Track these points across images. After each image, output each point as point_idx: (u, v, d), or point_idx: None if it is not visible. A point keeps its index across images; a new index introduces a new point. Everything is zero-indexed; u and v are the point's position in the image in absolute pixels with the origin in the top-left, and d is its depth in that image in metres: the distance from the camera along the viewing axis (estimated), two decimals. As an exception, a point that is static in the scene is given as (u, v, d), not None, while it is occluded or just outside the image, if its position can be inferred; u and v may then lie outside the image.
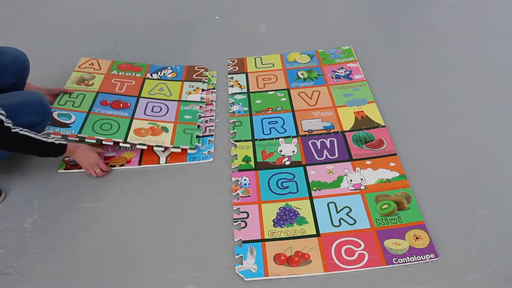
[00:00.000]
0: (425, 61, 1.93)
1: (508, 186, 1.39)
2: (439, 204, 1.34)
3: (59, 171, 1.51)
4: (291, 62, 1.96)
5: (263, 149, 1.55)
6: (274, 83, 1.85)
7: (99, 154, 1.51)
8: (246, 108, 1.73)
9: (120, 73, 1.87)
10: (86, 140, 1.53)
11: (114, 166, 1.53)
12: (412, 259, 1.20)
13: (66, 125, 1.55)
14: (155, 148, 1.55)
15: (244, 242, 1.27)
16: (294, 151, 1.54)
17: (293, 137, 1.59)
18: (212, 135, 1.63)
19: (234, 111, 1.72)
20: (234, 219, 1.34)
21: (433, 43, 2.03)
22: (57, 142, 1.39)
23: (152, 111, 1.69)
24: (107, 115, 1.63)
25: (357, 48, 2.01)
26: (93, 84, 1.78)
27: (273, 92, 1.80)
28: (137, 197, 1.43)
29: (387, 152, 1.50)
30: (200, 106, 1.74)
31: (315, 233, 1.28)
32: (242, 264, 1.21)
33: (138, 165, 1.53)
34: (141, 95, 1.76)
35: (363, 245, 1.24)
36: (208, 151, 1.57)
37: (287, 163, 1.50)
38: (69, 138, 1.53)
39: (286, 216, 1.33)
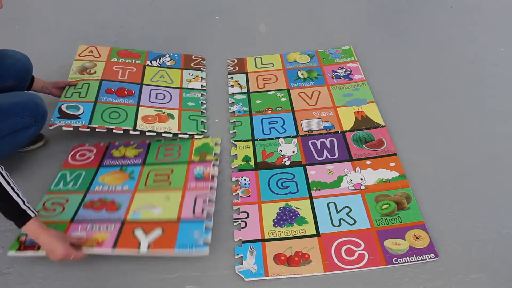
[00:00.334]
0: (425, 61, 1.93)
1: (508, 186, 1.39)
2: (439, 204, 1.34)
3: (9, 253, 1.20)
4: (291, 62, 1.96)
5: (263, 149, 1.55)
6: (274, 83, 1.85)
7: (71, 244, 1.17)
8: (246, 108, 1.73)
9: (120, 60, 1.89)
10: (97, 129, 1.53)
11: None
12: (412, 259, 1.20)
13: (76, 117, 1.55)
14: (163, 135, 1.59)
15: (244, 242, 1.27)
16: (294, 151, 1.54)
17: (293, 137, 1.59)
18: (211, 219, 1.27)
19: (234, 111, 1.72)
20: (234, 219, 1.34)
21: (433, 43, 2.03)
22: (28, 211, 1.13)
23: (156, 98, 1.72)
24: (113, 103, 1.65)
25: (357, 48, 2.01)
26: (95, 72, 1.78)
27: (273, 92, 1.80)
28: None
29: (387, 152, 1.50)
30: (202, 94, 1.79)
31: (315, 233, 1.28)
32: (242, 264, 1.21)
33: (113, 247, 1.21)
34: (144, 82, 1.79)
35: (363, 245, 1.24)
36: (204, 240, 1.19)
37: (287, 163, 1.50)
38: (80, 129, 1.52)
39: (286, 216, 1.33)
